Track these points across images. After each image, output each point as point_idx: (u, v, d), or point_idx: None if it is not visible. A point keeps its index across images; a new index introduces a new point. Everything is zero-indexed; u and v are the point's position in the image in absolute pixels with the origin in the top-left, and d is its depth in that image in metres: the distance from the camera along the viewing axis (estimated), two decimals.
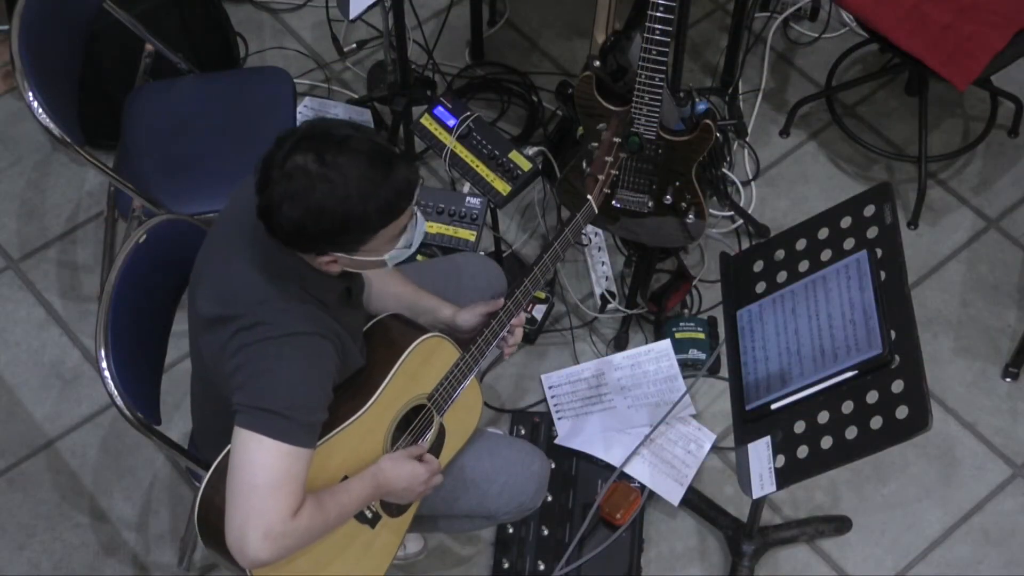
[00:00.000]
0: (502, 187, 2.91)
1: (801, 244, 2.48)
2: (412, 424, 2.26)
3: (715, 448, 2.97)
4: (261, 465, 1.93)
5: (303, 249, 1.99)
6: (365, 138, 1.93)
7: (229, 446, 1.99)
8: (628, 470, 2.87)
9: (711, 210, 3.30)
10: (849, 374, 2.25)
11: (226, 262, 2.06)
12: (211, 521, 2.03)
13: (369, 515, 2.22)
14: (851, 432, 2.20)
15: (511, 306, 2.33)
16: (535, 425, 3.01)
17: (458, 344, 2.31)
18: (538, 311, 3.16)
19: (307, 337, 1.98)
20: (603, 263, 3.25)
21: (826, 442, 2.22)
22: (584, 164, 2.83)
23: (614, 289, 3.21)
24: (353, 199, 1.90)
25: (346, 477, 2.12)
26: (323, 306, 2.04)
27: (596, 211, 2.43)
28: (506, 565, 2.81)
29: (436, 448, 2.32)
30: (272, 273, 2.00)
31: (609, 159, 2.47)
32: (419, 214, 2.07)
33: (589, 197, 2.43)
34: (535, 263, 2.35)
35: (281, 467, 1.93)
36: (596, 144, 2.72)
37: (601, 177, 2.45)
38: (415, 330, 2.25)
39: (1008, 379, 3.12)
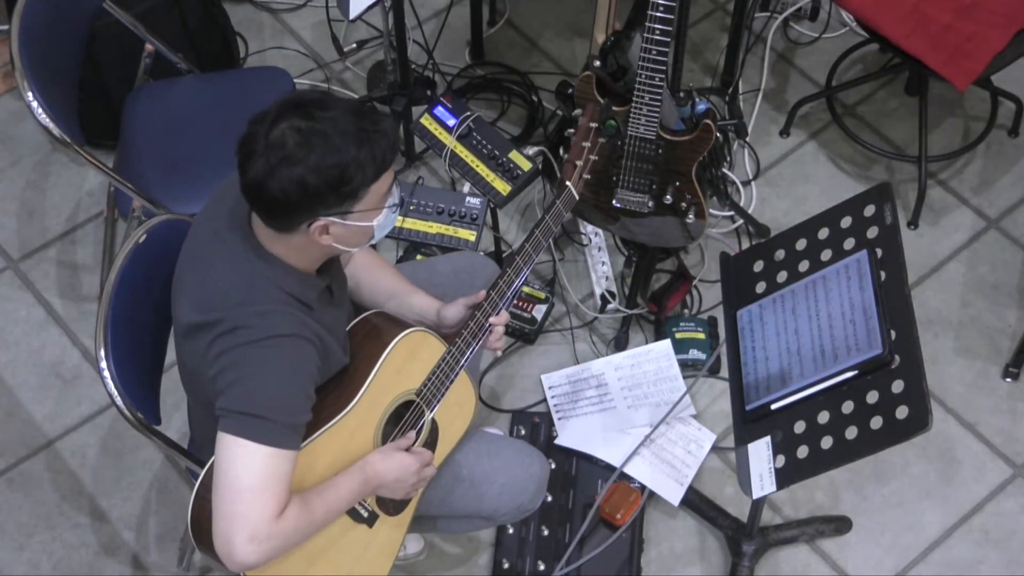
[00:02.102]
0: (502, 187, 2.91)
1: (801, 244, 2.48)
2: (402, 420, 2.25)
3: (715, 448, 2.97)
4: (244, 469, 1.93)
5: (295, 218, 1.96)
6: (341, 98, 1.96)
7: None
8: (628, 470, 2.87)
9: (711, 210, 3.30)
10: (849, 374, 2.25)
11: (203, 268, 2.05)
12: (203, 526, 2.03)
13: (365, 514, 2.22)
14: (851, 432, 2.20)
15: (495, 296, 2.32)
16: (535, 425, 3.01)
17: (444, 338, 2.30)
18: (538, 311, 3.16)
19: (287, 339, 1.98)
20: (603, 263, 3.25)
21: (826, 442, 2.22)
22: (561, 151, 2.83)
23: (614, 289, 3.21)
24: (350, 146, 1.91)
25: None
26: (304, 307, 2.03)
27: (576, 197, 2.43)
28: (506, 565, 2.81)
29: (431, 445, 2.32)
30: (251, 276, 2.00)
31: (586, 144, 2.47)
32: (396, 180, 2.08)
33: (568, 183, 2.43)
34: (517, 252, 2.34)
35: (264, 470, 1.93)
36: (572, 131, 2.73)
37: (579, 163, 2.45)
38: (398, 326, 2.24)
39: (1008, 379, 3.12)
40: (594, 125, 2.52)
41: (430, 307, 2.39)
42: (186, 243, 2.16)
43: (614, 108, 2.70)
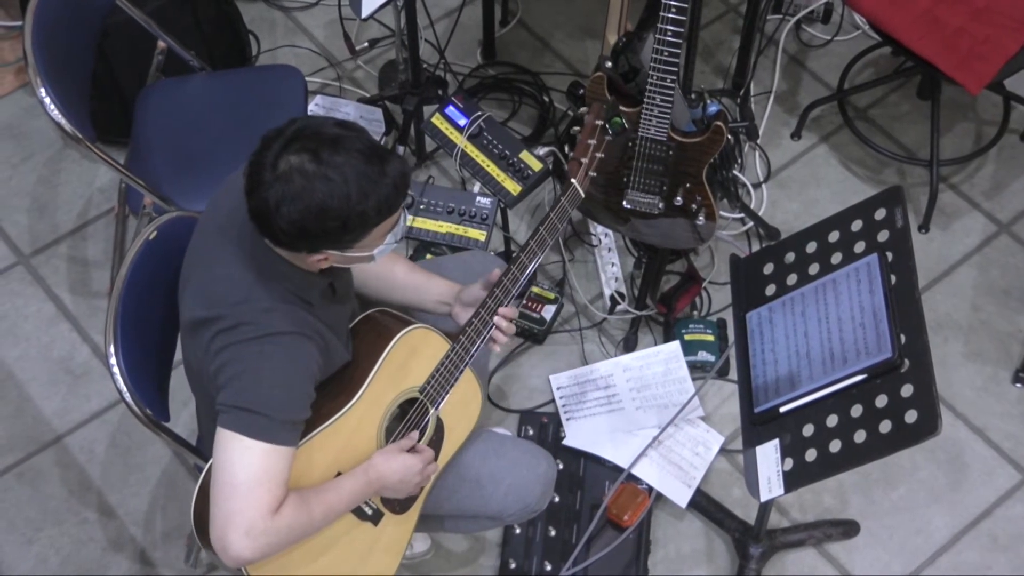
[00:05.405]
0: (512, 187, 2.91)
1: (811, 247, 2.48)
2: (407, 417, 2.25)
3: (723, 450, 2.97)
4: (240, 464, 1.94)
5: (297, 248, 1.99)
6: (356, 136, 1.94)
7: None
8: (636, 471, 2.87)
9: (721, 212, 3.29)
10: (858, 378, 2.24)
11: (208, 265, 2.06)
12: (205, 521, 2.04)
13: (369, 512, 2.22)
14: (860, 436, 2.19)
15: (499, 293, 2.30)
16: (543, 426, 3.01)
17: (448, 336, 2.30)
18: (547, 311, 3.16)
19: (288, 337, 1.99)
20: (613, 264, 3.25)
21: (835, 446, 2.22)
22: (565, 148, 2.82)
23: (623, 290, 3.21)
24: (353, 198, 1.91)
25: (339, 474, 2.12)
26: (306, 305, 2.05)
27: (582, 195, 2.43)
28: (513, 565, 2.81)
29: (436, 443, 2.32)
30: (255, 274, 2.01)
31: (592, 142, 2.47)
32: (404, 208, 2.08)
33: (573, 181, 2.43)
34: (522, 249, 2.33)
35: (260, 465, 1.94)
36: (578, 128, 2.72)
37: (584, 160, 2.45)
38: (400, 322, 2.24)
39: (1018, 384, 3.11)
40: (600, 123, 2.51)
41: (449, 291, 2.40)
42: (192, 239, 2.16)
43: (625, 109, 2.70)
